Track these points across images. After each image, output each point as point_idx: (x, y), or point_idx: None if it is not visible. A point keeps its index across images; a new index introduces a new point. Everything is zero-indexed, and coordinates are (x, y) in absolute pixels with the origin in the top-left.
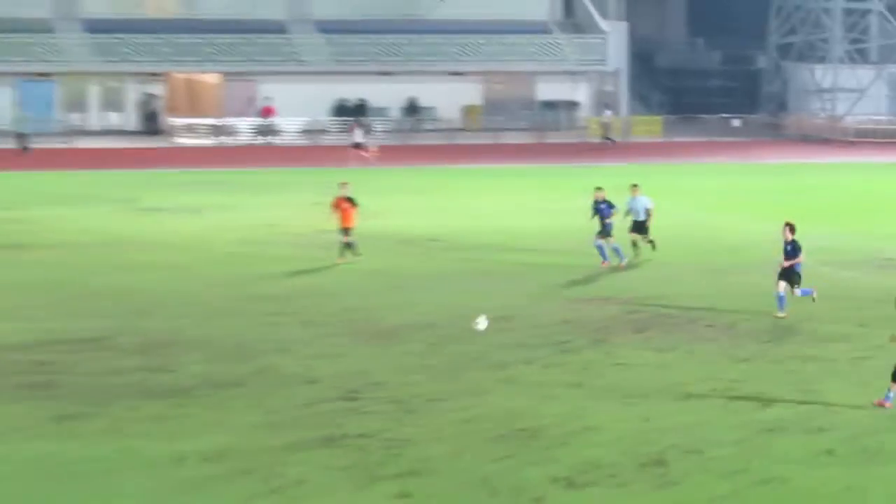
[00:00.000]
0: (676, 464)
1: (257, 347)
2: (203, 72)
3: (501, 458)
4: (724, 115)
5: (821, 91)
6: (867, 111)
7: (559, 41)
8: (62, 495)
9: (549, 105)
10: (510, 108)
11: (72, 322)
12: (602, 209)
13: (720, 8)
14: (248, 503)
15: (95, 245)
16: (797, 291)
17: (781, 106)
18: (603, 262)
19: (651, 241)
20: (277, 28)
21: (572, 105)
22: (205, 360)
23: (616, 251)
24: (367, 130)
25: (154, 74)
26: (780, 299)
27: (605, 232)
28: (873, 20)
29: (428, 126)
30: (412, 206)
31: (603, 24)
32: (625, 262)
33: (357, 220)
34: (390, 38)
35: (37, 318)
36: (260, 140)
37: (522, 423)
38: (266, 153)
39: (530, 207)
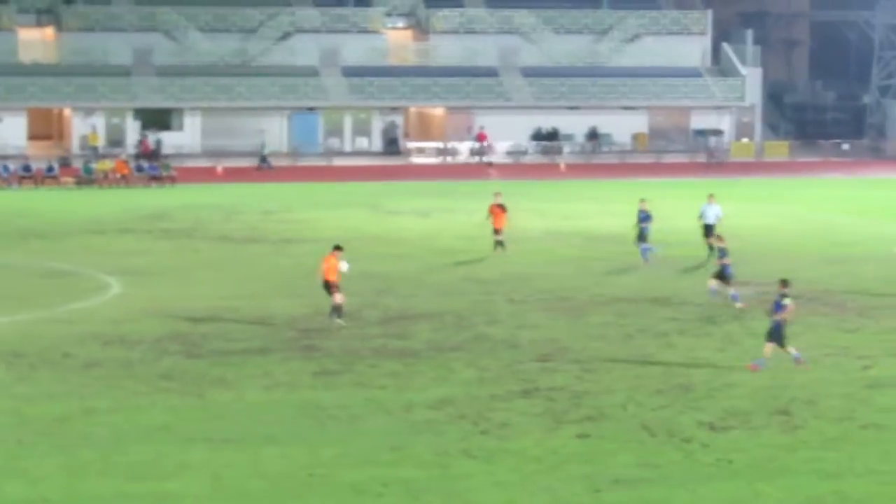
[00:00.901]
0: (797, 412)
1: (472, 319)
2: (432, 106)
3: (660, 407)
4: (837, 140)
5: None
6: None
7: (708, 82)
8: (319, 433)
9: (700, 132)
10: (670, 134)
11: (328, 299)
12: (642, 217)
13: (835, 57)
14: (462, 441)
15: (347, 239)
16: (730, 291)
17: (882, 133)
18: (645, 262)
19: (711, 245)
20: (491, 73)
21: (718, 132)
22: (431, 329)
23: (644, 252)
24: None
25: (394, 108)
26: (732, 296)
27: (643, 237)
28: None
29: (605, 149)
30: (593, 210)
31: (742, 70)
32: (648, 261)
33: (506, 224)
34: (577, 80)
35: (302, 296)
36: (475, 159)
37: (677, 379)
38: (479, 170)
39: (684, 211)
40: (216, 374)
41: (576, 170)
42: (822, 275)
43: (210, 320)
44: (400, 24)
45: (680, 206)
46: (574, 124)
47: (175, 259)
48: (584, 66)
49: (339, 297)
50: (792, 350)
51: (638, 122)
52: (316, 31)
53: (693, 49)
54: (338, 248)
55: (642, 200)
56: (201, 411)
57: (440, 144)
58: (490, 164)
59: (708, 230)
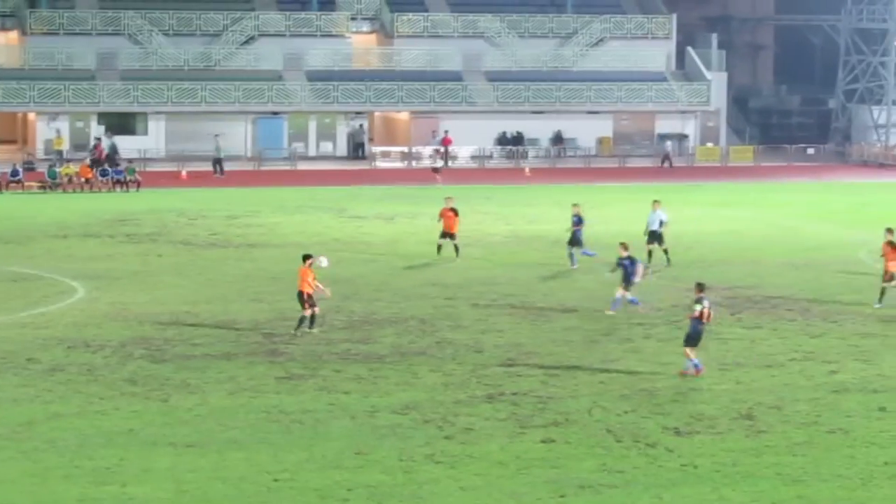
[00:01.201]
0: (763, 417)
1: (437, 324)
2: (397, 111)
3: (625, 412)
4: (802, 145)
5: (877, 126)
6: None
7: (673, 87)
8: (284, 438)
9: (665, 137)
10: (634, 139)
11: (295, 304)
12: (575, 221)
13: (800, 61)
14: (426, 446)
15: (312, 244)
16: (627, 296)
17: (847, 138)
18: (572, 266)
19: (666, 251)
20: (455, 77)
21: (683, 137)
22: (395, 334)
23: (572, 256)
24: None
25: (358, 113)
26: (616, 302)
27: (575, 241)
28: None
29: (570, 153)
30: (558, 215)
31: (707, 74)
32: (576, 265)
33: (458, 227)
34: (541, 84)
35: (266, 301)
36: (440, 164)
37: (642, 384)
38: (444, 174)
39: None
40: (180, 378)
41: (540, 174)
42: (788, 280)
43: (174, 325)
44: (364, 29)
45: (645, 210)
46: (539, 129)
47: (139, 264)
48: (549, 71)
49: (310, 311)
50: (693, 357)
51: (603, 127)
52: (280, 35)
53: (658, 53)
54: (307, 257)
55: (575, 205)
56: (165, 416)
57: (404, 149)
58: (436, 170)
59: (652, 236)
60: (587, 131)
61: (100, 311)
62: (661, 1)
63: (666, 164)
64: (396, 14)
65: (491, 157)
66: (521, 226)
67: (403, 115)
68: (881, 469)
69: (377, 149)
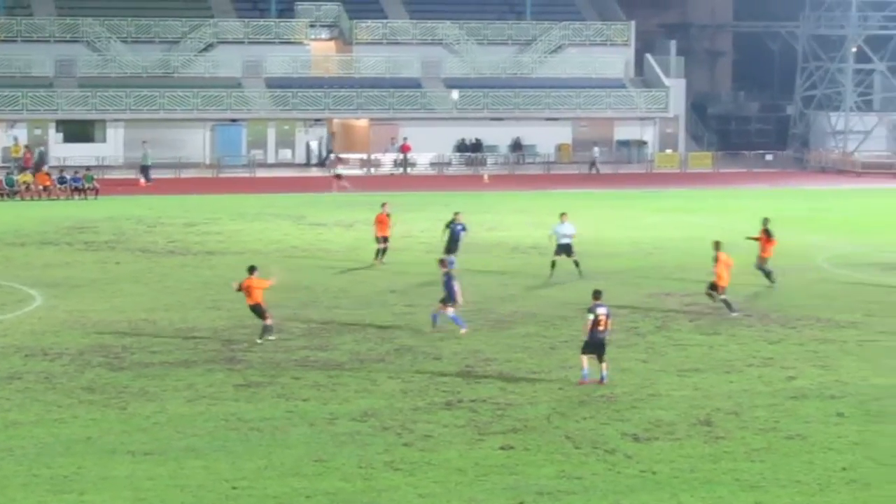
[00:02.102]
0: (721, 423)
1: (395, 331)
2: (356, 117)
3: (584, 419)
4: (761, 151)
5: (835, 133)
6: (871, 149)
7: (632, 94)
8: (242, 445)
9: (624, 143)
10: (593, 145)
11: (251, 311)
12: (457, 229)
13: (758, 68)
14: (385, 453)
15: (271, 251)
16: (449, 313)
17: (805, 144)
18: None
19: (576, 262)
20: (414, 84)
21: (642, 143)
22: (354, 341)
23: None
24: (343, 163)
25: (317, 120)
26: (454, 319)
27: (453, 249)
28: (877, 77)
29: (529, 160)
30: (518, 221)
31: (666, 81)
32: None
33: (391, 232)
34: (501, 91)
35: (225, 308)
36: (399, 170)
37: (601, 391)
38: (403, 181)
39: (611, 222)
40: (138, 386)
41: (499, 181)
42: (747, 286)
43: (132, 332)
44: (323, 36)
45: (607, 216)
46: (498, 135)
47: (97, 271)
48: (508, 78)
49: (269, 319)
50: (604, 369)
51: (562, 134)
52: (239, 42)
53: (617, 60)
54: (252, 268)
55: (457, 213)
56: (123, 424)
57: (363, 156)
58: (339, 177)
59: (560, 249)
60: (546, 138)
61: (58, 319)
62: (619, 8)
63: (593, 171)
64: (355, 21)
65: (450, 163)
66: (479, 233)
67: (362, 122)
68: (839, 475)
69: (335, 155)
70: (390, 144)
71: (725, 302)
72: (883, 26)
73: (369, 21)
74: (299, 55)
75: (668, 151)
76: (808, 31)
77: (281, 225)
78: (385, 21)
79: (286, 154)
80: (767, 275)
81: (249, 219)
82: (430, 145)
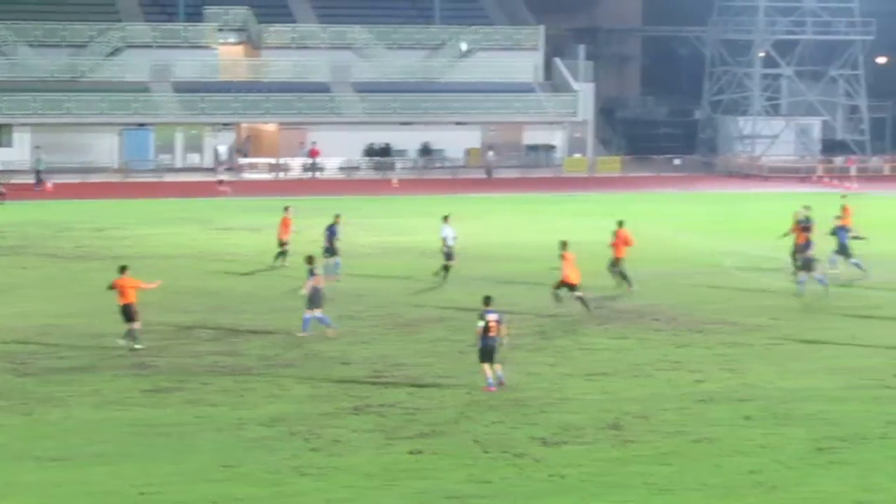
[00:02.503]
0: (630, 427)
1: (304, 336)
2: (264, 122)
3: (493, 423)
4: (669, 155)
5: (743, 137)
6: (778, 153)
7: (541, 98)
8: (150, 451)
9: (533, 148)
10: (502, 149)
11: (161, 316)
12: (333, 231)
13: (666, 73)
14: (294, 458)
15: (180, 256)
16: (316, 314)
17: (713, 148)
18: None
19: (447, 267)
20: (323, 88)
21: (551, 148)
22: (263, 346)
23: (337, 265)
24: (228, 169)
25: (226, 124)
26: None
27: (331, 252)
28: (784, 82)
29: (438, 164)
30: (426, 226)
31: (575, 85)
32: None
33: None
34: (410, 95)
35: None
36: (307, 175)
37: (511, 395)
38: (312, 185)
39: (520, 226)
40: (45, 392)
41: (408, 185)
42: (655, 290)
43: (39, 338)
44: (231, 40)
45: (517, 220)
46: (407, 140)
47: (3, 276)
48: (417, 82)
49: (137, 324)
50: (498, 370)
51: (471, 138)
52: (147, 46)
53: (526, 64)
54: (124, 268)
55: (336, 216)
56: (30, 430)
57: (272, 160)
58: (221, 182)
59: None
60: (455, 142)
61: None
62: (529, 12)
63: (488, 176)
64: (264, 25)
65: (359, 168)
66: (388, 237)
67: (271, 127)
68: (746, 477)
69: (245, 160)
70: (299, 149)
71: (581, 299)
72: (790, 31)
73: (278, 25)
74: (207, 59)
75: (577, 156)
76: (716, 36)
77: (189, 229)
78: (294, 25)
79: (194, 158)
80: (623, 277)
81: (157, 223)
82: (339, 150)
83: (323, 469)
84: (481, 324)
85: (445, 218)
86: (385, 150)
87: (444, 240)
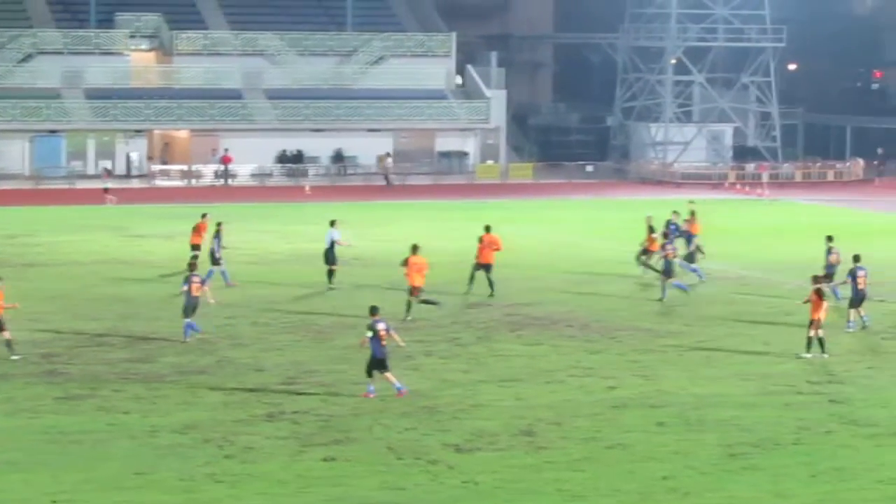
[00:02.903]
0: (543, 433)
1: (217, 343)
2: (176, 129)
3: (406, 430)
4: (581, 162)
5: (655, 144)
6: (690, 159)
7: (453, 105)
8: (63, 458)
9: (445, 154)
10: (415, 156)
11: (73, 324)
12: (216, 240)
13: (578, 80)
14: (207, 465)
15: (92, 263)
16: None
17: (625, 155)
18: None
19: (331, 272)
20: (235, 95)
21: (463, 154)
22: (176, 353)
23: (223, 274)
24: (112, 176)
25: (138, 131)
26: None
27: (215, 261)
28: (696, 89)
29: (350, 171)
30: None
31: (487, 92)
32: (230, 282)
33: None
34: (322, 102)
35: (46, 321)
36: (219, 182)
37: (424, 402)
38: (224, 192)
39: (431, 233)
40: None
41: (321, 192)
42: (568, 296)
43: None
44: (143, 46)
45: (428, 227)
46: (319, 147)
47: None
48: (329, 89)
49: (7, 334)
50: (391, 379)
51: (383, 145)
52: (58, 52)
53: (438, 71)
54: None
55: (219, 224)
56: None
57: (184, 167)
58: (107, 190)
59: (326, 254)
60: (368, 149)
61: None
62: (440, 19)
63: (387, 183)
64: (176, 32)
65: (271, 175)
66: (301, 244)
67: (183, 134)
68: (660, 483)
69: (157, 167)
70: (211, 156)
71: (427, 301)
72: (701, 38)
73: (190, 32)
74: (119, 66)
75: (490, 162)
76: (628, 43)
77: (101, 236)
78: (206, 32)
79: (106, 165)
80: (490, 283)
81: (70, 230)
82: (251, 156)
83: (236, 476)
84: (369, 333)
85: (332, 223)
86: (297, 157)
87: (335, 244)
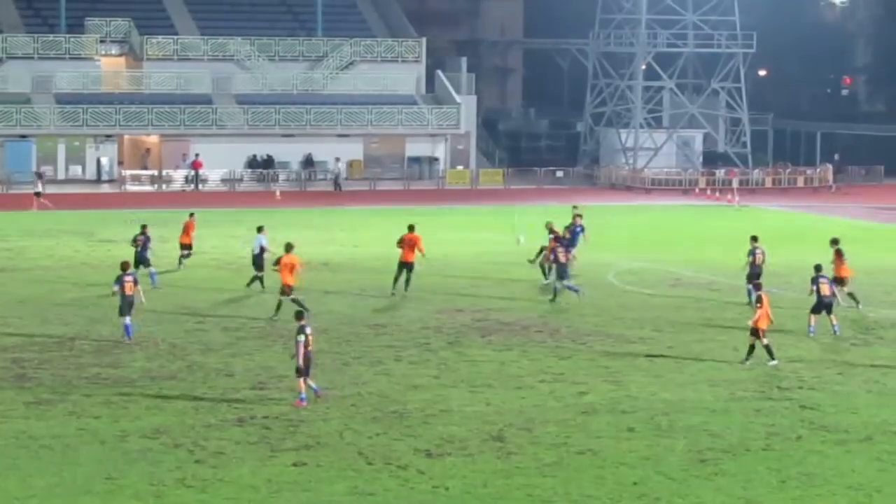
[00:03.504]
0: (512, 439)
1: (187, 348)
2: (146, 134)
3: (376, 435)
4: (551, 167)
5: (625, 149)
6: (660, 165)
7: (423, 110)
8: (32, 463)
9: (415, 160)
10: (385, 162)
11: (43, 328)
12: (142, 241)
13: (548, 85)
14: (177, 470)
15: (61, 268)
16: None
17: (595, 161)
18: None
19: (257, 278)
20: (205, 100)
21: (433, 160)
22: (145, 358)
23: (151, 276)
24: (45, 180)
25: (108, 136)
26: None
27: (142, 262)
28: (666, 95)
29: (320, 176)
30: (308, 238)
31: (457, 97)
32: (157, 284)
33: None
34: (292, 107)
35: (15, 325)
36: (190, 187)
37: (393, 407)
38: (194, 197)
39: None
40: None
41: (291, 197)
42: (537, 302)
43: None
44: (113, 51)
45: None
46: (289, 152)
47: None
48: (299, 94)
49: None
50: (312, 384)
51: (353, 150)
52: (28, 57)
53: (408, 77)
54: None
55: (143, 226)
56: None
57: (155, 172)
58: (38, 195)
59: (253, 260)
60: (337, 154)
61: None
62: (410, 24)
63: (337, 188)
64: (146, 37)
65: (241, 180)
66: (271, 249)
67: (153, 139)
68: (630, 489)
69: (127, 172)
70: (181, 161)
71: (297, 302)
72: (671, 44)
73: (160, 37)
74: (89, 71)
75: (459, 168)
76: (598, 49)
77: (70, 241)
78: (176, 37)
79: (76, 170)
80: (407, 282)
81: (39, 235)
82: (221, 161)
83: (206, 481)
84: (302, 338)
85: (260, 228)
86: (268, 162)
87: (262, 249)
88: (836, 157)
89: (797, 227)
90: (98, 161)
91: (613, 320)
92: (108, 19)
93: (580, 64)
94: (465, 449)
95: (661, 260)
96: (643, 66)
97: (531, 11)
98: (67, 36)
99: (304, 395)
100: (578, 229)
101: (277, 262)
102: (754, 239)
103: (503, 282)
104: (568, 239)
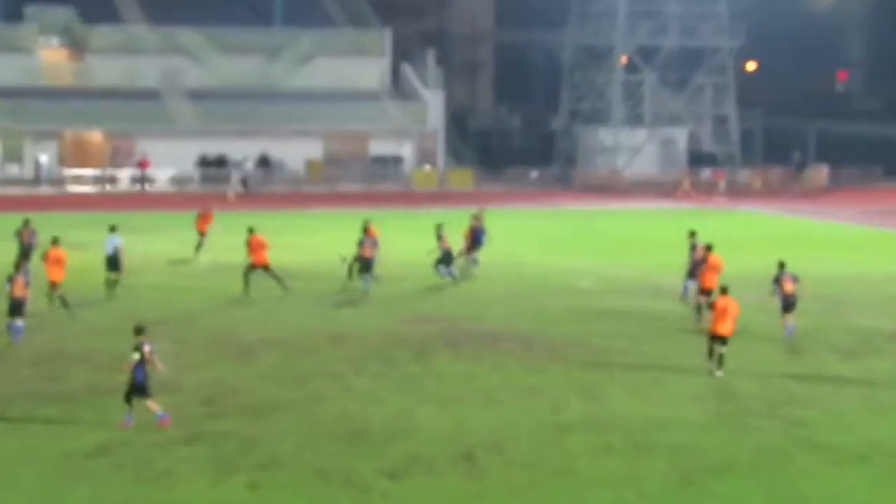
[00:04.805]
0: (482, 458)
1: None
2: (90, 131)
3: (336, 454)
4: (524, 168)
5: (604, 149)
6: (641, 165)
7: (387, 106)
8: None
9: (379, 160)
10: (346, 162)
11: None
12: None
13: (521, 80)
14: (121, 491)
15: None
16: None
17: (571, 161)
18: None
19: (116, 280)
20: (153, 95)
21: (398, 160)
22: (87, 371)
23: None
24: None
25: (49, 133)
26: (16, 330)
27: (25, 257)
28: (647, 91)
29: (277, 177)
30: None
31: (424, 93)
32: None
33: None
34: (247, 103)
35: None
36: (136, 188)
37: (355, 424)
38: (142, 199)
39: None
40: None
41: (245, 199)
42: (508, 310)
43: None
44: (54, 43)
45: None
46: (244, 150)
47: None
48: (255, 89)
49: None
50: (154, 406)
51: (312, 149)
52: None
53: (371, 70)
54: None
55: (112, 228)
56: None
57: (99, 172)
58: None
59: (108, 262)
60: (296, 153)
61: None
62: (374, 14)
63: (240, 191)
64: (89, 27)
65: (192, 180)
66: (223, 255)
67: (97, 136)
68: None
69: (69, 172)
70: (128, 159)
71: (63, 300)
72: (652, 36)
73: (104, 27)
74: (28, 63)
75: (427, 168)
76: (574, 42)
77: (6, 246)
78: (121, 27)
79: (14, 170)
80: (277, 279)
81: None
82: (170, 160)
83: (153, 502)
84: (136, 356)
85: (113, 228)
86: (220, 161)
87: (117, 250)
88: (796, 155)
89: (790, 233)
90: (36, 161)
91: (589, 330)
92: (47, 7)
93: (555, 58)
94: (432, 469)
95: (641, 267)
96: (623, 61)
97: (503, 2)
98: (4, 26)
99: (130, 417)
100: (479, 230)
101: (44, 255)
102: (692, 234)
103: (472, 289)
104: (471, 241)
